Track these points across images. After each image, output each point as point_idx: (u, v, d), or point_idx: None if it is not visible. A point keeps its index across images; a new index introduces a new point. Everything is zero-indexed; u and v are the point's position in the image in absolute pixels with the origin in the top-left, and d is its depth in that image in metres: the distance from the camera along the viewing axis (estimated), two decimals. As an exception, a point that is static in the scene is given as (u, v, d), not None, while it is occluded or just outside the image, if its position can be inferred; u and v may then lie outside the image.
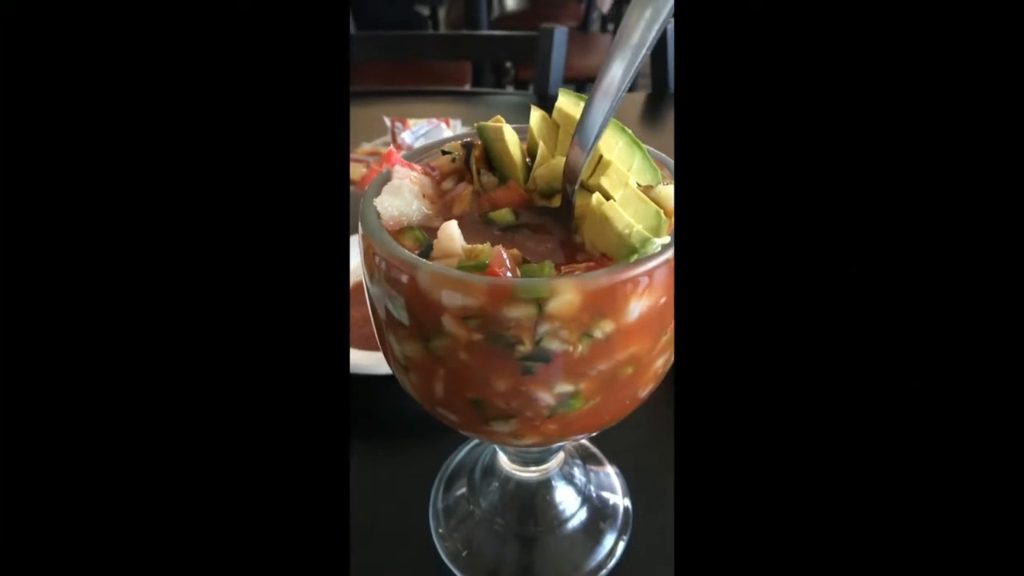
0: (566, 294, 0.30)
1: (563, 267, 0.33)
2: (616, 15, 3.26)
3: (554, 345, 0.32)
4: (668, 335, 0.35)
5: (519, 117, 0.40)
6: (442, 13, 3.38)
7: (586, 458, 0.58)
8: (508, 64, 2.79)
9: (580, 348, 0.32)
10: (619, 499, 0.54)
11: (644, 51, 0.31)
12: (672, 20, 0.31)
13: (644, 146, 0.38)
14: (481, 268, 0.31)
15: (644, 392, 0.38)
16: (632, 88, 2.65)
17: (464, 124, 1.14)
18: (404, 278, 0.32)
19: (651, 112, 1.33)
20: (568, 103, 0.39)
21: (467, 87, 2.27)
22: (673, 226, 0.34)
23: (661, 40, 1.33)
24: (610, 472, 0.57)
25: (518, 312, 0.30)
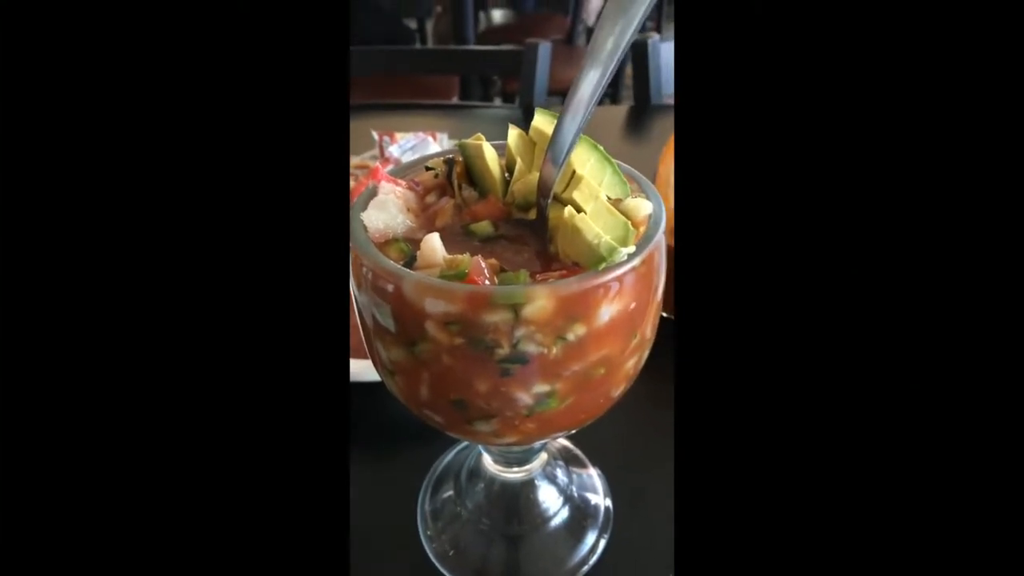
0: (540, 300, 0.32)
1: (538, 275, 0.35)
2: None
3: (530, 348, 0.34)
4: (638, 338, 0.38)
5: (506, 130, 0.42)
6: (429, 26, 3.41)
7: (569, 460, 0.60)
8: (495, 77, 2.82)
9: (555, 350, 0.34)
10: (600, 499, 0.56)
11: (609, 73, 0.33)
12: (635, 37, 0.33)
13: (615, 161, 0.40)
14: (461, 277, 0.33)
15: (617, 392, 0.40)
16: (615, 101, 2.67)
17: (451, 138, 1.16)
18: (390, 287, 0.34)
19: (633, 124, 1.36)
20: (543, 121, 0.41)
21: (455, 99, 2.30)
22: (640, 236, 0.36)
23: (643, 54, 1.36)
24: (592, 473, 0.59)
25: (496, 317, 0.33)
